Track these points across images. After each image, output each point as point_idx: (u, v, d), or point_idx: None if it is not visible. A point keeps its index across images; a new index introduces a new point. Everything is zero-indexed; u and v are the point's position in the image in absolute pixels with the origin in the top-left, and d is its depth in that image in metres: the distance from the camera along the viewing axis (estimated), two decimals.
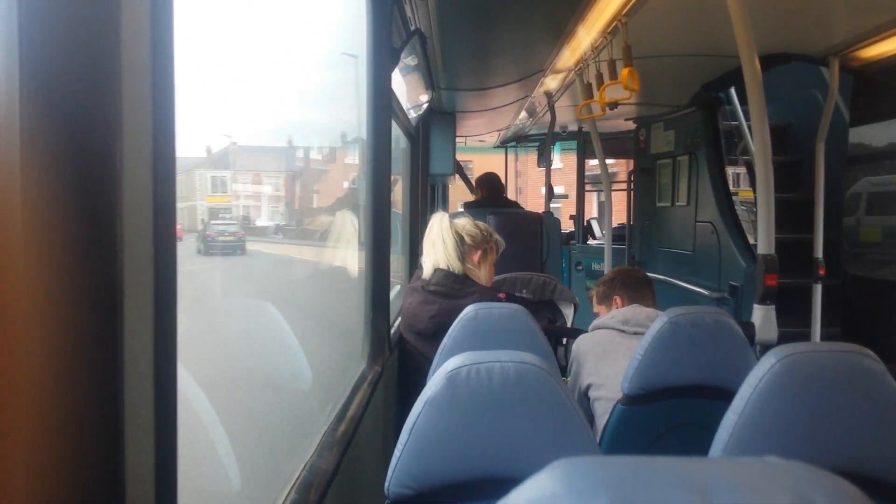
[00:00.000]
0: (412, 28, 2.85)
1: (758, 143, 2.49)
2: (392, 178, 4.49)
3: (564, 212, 10.18)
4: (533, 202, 16.44)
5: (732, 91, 4.96)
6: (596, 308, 2.64)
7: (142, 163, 0.59)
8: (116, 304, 0.55)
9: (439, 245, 2.54)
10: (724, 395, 1.36)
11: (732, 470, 0.42)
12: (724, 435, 1.31)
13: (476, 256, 2.54)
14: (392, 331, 2.68)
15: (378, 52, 2.26)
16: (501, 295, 2.55)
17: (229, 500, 1.32)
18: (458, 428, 1.19)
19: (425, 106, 3.93)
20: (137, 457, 0.58)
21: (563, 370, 3.02)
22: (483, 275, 2.54)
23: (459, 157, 7.59)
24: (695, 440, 1.43)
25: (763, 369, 1.29)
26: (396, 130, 3.75)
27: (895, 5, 3.04)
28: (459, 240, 2.53)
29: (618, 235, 6.68)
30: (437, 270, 2.49)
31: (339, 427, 1.53)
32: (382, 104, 2.29)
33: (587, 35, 3.37)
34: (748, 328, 2.46)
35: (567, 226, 8.83)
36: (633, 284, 2.55)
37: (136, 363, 0.58)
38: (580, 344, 2.30)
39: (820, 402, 1.28)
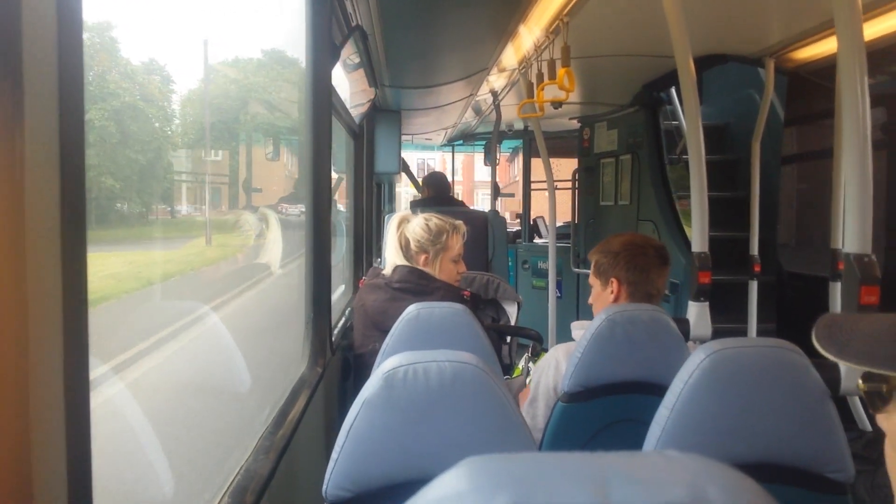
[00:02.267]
0: (353, 24, 2.82)
1: (691, 142, 2.54)
2: (338, 176, 4.47)
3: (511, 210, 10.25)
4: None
5: (673, 91, 5.06)
6: (591, 279, 2.27)
7: (47, 159, 0.57)
8: (22, 305, 0.53)
9: (389, 247, 2.58)
10: (661, 391, 1.39)
11: (631, 464, 0.42)
12: (657, 430, 1.34)
13: (422, 259, 2.55)
14: (336, 331, 2.66)
15: (317, 48, 2.23)
16: (466, 293, 2.56)
17: None
18: (396, 429, 1.19)
19: (368, 104, 3.91)
20: (47, 460, 0.56)
21: (508, 368, 3.04)
22: (438, 274, 2.54)
23: (421, 155, 7.58)
24: (633, 435, 1.46)
25: (693, 365, 1.32)
26: (340, 129, 3.72)
27: (829, 8, 3.14)
28: (406, 243, 2.55)
29: (564, 234, 6.76)
30: (398, 267, 2.51)
31: (278, 431, 1.51)
32: (322, 101, 2.27)
33: (530, 34, 3.39)
34: (683, 324, 2.51)
35: (514, 225, 8.89)
36: (641, 265, 2.15)
37: (44, 364, 0.56)
38: (560, 348, 2.15)
39: (748, 396, 1.31)
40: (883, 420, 0.87)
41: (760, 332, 4.21)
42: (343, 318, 3.13)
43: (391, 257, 2.57)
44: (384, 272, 2.55)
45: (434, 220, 2.59)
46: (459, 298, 2.33)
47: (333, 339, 2.43)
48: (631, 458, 0.44)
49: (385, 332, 2.44)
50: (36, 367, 0.56)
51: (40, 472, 0.56)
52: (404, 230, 2.56)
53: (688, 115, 2.68)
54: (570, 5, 2.90)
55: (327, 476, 1.19)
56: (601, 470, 0.41)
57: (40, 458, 0.56)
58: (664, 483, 0.40)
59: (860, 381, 0.88)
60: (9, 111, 0.53)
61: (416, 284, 2.45)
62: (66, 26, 0.60)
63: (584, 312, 6.29)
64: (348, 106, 3.62)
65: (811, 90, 4.22)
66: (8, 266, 0.53)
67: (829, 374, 1.48)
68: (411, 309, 1.93)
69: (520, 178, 8.04)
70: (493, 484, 0.40)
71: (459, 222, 2.64)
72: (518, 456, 0.44)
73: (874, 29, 3.03)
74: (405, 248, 2.54)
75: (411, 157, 11.59)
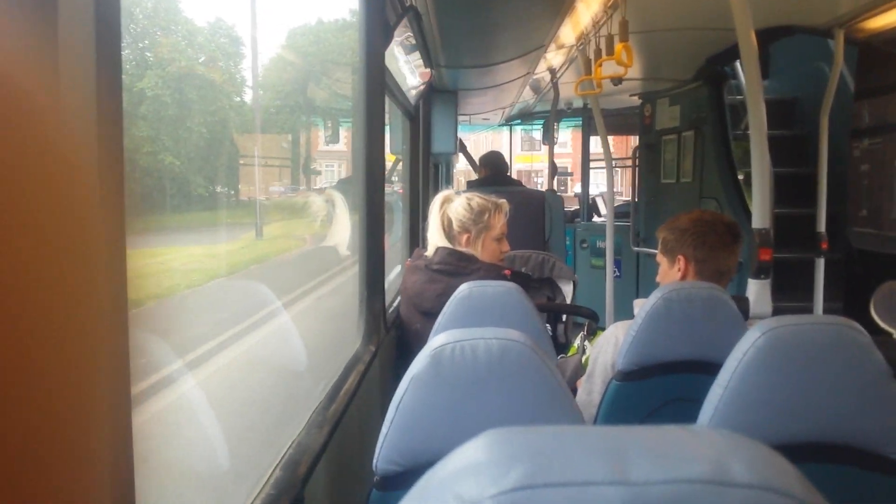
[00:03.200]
0: (407, 4, 2.83)
1: (753, 116, 2.47)
2: (396, 157, 4.50)
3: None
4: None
5: (738, 64, 4.91)
6: (658, 257, 2.21)
7: (85, 152, 0.59)
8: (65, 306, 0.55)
9: (431, 227, 2.57)
10: (718, 370, 1.36)
11: (654, 439, 0.42)
12: (710, 408, 1.32)
13: (464, 239, 2.53)
14: (390, 310, 2.69)
15: (370, 29, 2.25)
16: (507, 272, 2.55)
17: (215, 478, 1.34)
18: (443, 405, 1.20)
19: (424, 84, 3.91)
20: (88, 464, 0.59)
21: (563, 347, 3.02)
22: (480, 253, 2.53)
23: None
24: (687, 415, 1.44)
25: (748, 342, 1.29)
26: (396, 110, 3.74)
27: None
28: (448, 223, 2.53)
29: (623, 212, 6.66)
30: (438, 249, 2.50)
31: (331, 406, 1.55)
32: (376, 82, 2.28)
33: (588, 9, 3.34)
34: (743, 303, 2.45)
35: (573, 203, 8.80)
36: (710, 243, 2.07)
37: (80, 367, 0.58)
38: (620, 326, 2.12)
39: (804, 374, 1.28)
40: None
41: (826, 311, 4.07)
42: (398, 298, 3.16)
43: (433, 238, 2.56)
44: (426, 254, 2.55)
45: (476, 199, 2.57)
46: (500, 278, 2.31)
47: (388, 317, 2.46)
48: (654, 432, 0.43)
49: (424, 313, 2.46)
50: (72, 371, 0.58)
51: (81, 479, 0.58)
52: (447, 210, 2.55)
53: (749, 88, 2.61)
54: None
55: (377, 450, 1.21)
56: (621, 444, 0.41)
57: (80, 462, 0.58)
58: (686, 458, 0.39)
59: None
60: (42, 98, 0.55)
61: (454, 266, 2.44)
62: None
63: (643, 292, 6.20)
64: (404, 87, 3.64)
65: (884, 61, 4.04)
66: (48, 264, 0.55)
67: (892, 351, 1.43)
68: (463, 288, 1.93)
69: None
70: (509, 456, 0.40)
71: (503, 201, 2.60)
72: (540, 429, 0.44)
73: None
74: (447, 227, 2.53)
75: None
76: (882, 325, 0.79)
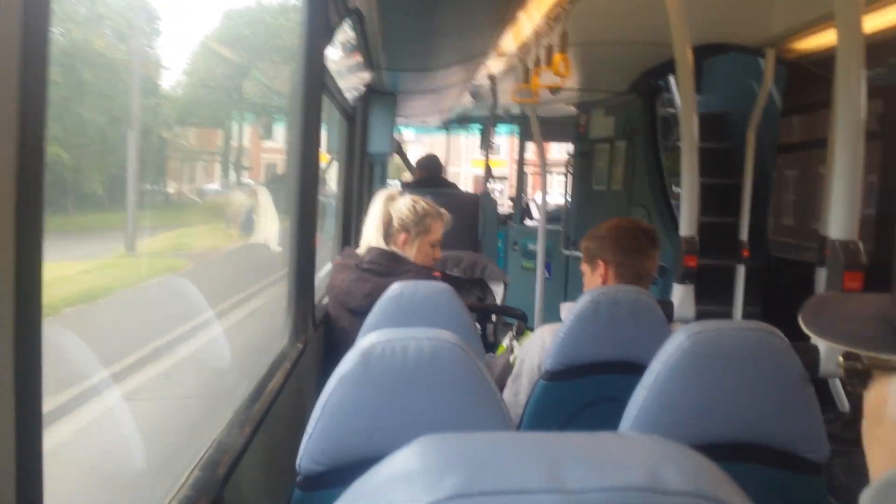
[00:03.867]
0: (350, 6, 2.80)
1: (685, 129, 2.54)
2: (331, 157, 4.45)
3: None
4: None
5: (671, 78, 5.05)
6: (582, 266, 2.27)
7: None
8: None
9: (370, 223, 2.54)
10: (643, 371, 1.39)
11: (587, 445, 0.41)
12: (633, 409, 1.34)
13: (401, 239, 2.51)
14: (319, 309, 2.65)
15: (312, 27, 2.21)
16: (437, 274, 2.55)
17: (128, 479, 1.29)
18: (371, 405, 1.19)
19: (363, 86, 3.88)
20: None
21: (492, 347, 3.04)
22: (413, 256, 2.51)
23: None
24: (612, 415, 1.46)
25: (673, 345, 1.32)
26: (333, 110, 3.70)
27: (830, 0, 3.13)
28: (388, 220, 2.52)
29: (556, 217, 6.78)
30: (371, 248, 2.48)
31: (254, 404, 1.51)
32: (315, 82, 2.25)
33: (530, 20, 3.37)
34: (667, 307, 2.51)
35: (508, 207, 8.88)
36: (627, 247, 2.13)
37: None
38: (546, 328, 2.15)
39: (726, 377, 1.31)
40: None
41: (746, 316, 4.22)
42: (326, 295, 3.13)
43: (368, 234, 2.53)
44: (358, 251, 2.53)
45: (422, 202, 2.57)
46: (429, 280, 2.31)
47: (316, 314, 2.42)
48: (588, 439, 0.43)
49: (351, 311, 2.44)
50: None
51: None
52: (389, 207, 2.53)
53: (683, 102, 2.68)
54: None
55: (301, 449, 1.19)
56: (556, 451, 0.40)
57: None
58: (621, 465, 0.39)
59: (840, 359, 0.88)
60: None
61: (384, 266, 2.42)
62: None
63: (572, 294, 6.31)
64: (343, 87, 3.60)
65: (810, 81, 4.20)
66: None
67: (809, 356, 1.48)
68: (394, 287, 1.92)
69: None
70: (444, 464, 0.39)
71: (444, 211, 2.61)
72: (473, 435, 0.43)
73: (874, 22, 3.01)
74: (387, 224, 2.51)
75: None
76: (812, 336, 0.81)
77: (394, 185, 7.87)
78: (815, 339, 1.61)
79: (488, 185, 7.02)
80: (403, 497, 0.38)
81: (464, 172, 25.02)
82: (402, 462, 0.41)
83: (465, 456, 0.40)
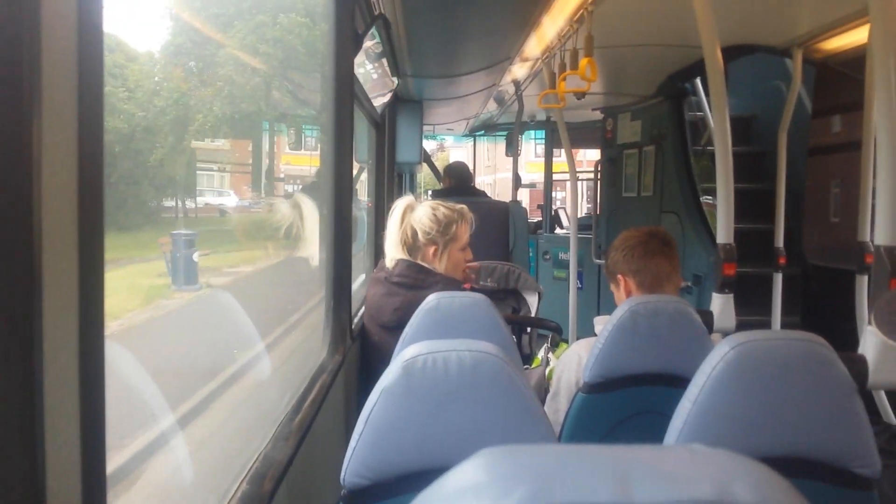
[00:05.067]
0: (376, 13, 2.82)
1: (718, 133, 2.51)
2: (360, 166, 4.47)
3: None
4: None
5: (698, 81, 5.01)
6: (611, 287, 2.26)
7: (64, 154, 0.57)
8: (34, 300, 0.53)
9: (391, 238, 2.48)
10: (683, 383, 1.37)
11: (656, 459, 0.41)
12: (679, 422, 1.32)
13: (431, 252, 2.46)
14: (356, 320, 2.66)
15: (340, 36, 2.23)
16: (466, 285, 2.53)
17: (179, 492, 1.30)
18: (414, 418, 1.18)
19: (390, 94, 3.90)
20: (59, 452, 0.56)
21: (527, 359, 3.03)
22: (444, 267, 2.47)
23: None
24: (653, 427, 1.44)
25: (717, 357, 1.30)
26: (362, 118, 3.72)
27: None
28: (413, 234, 2.46)
29: (585, 225, 6.73)
30: (399, 261, 2.45)
31: (296, 417, 1.52)
32: (345, 90, 2.26)
33: (553, 24, 3.36)
34: (707, 316, 2.48)
35: (536, 215, 8.86)
36: (638, 253, 2.11)
37: (57, 359, 0.56)
38: (582, 343, 2.15)
39: (772, 389, 1.29)
40: None
41: (784, 325, 4.16)
42: (362, 307, 3.13)
43: (391, 251, 2.47)
44: (387, 265, 2.49)
45: (441, 209, 2.50)
46: (459, 290, 2.28)
47: (353, 326, 2.42)
48: (655, 452, 0.43)
49: (382, 326, 2.42)
50: (47, 361, 0.56)
51: (53, 462, 0.56)
52: (410, 220, 2.47)
53: (714, 105, 2.65)
54: None
55: (345, 464, 1.19)
56: (624, 464, 0.40)
57: (52, 447, 0.56)
58: (689, 479, 0.39)
59: None
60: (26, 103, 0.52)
61: (413, 279, 2.38)
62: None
63: (605, 303, 6.27)
64: (371, 96, 3.62)
65: (839, 81, 4.15)
66: (20, 269, 0.53)
67: (857, 367, 1.45)
68: (430, 298, 1.92)
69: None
70: (511, 476, 0.39)
71: (464, 207, 2.55)
72: (538, 447, 0.43)
73: None
74: (412, 239, 2.45)
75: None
76: (887, 339, 0.80)
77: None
78: (865, 349, 1.58)
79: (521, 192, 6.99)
80: None
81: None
82: (469, 474, 0.41)
83: (532, 468, 0.40)
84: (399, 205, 2.53)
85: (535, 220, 8.01)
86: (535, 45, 3.85)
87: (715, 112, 2.58)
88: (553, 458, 0.41)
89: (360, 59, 2.70)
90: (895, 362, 1.54)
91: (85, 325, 0.60)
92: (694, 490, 0.37)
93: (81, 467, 0.60)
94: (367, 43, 2.77)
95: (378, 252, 3.75)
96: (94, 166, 0.61)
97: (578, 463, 0.40)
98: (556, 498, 0.37)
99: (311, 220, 2.50)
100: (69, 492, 0.59)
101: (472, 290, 2.47)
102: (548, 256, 7.00)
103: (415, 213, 2.49)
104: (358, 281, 3.51)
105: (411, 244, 2.46)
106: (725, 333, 2.43)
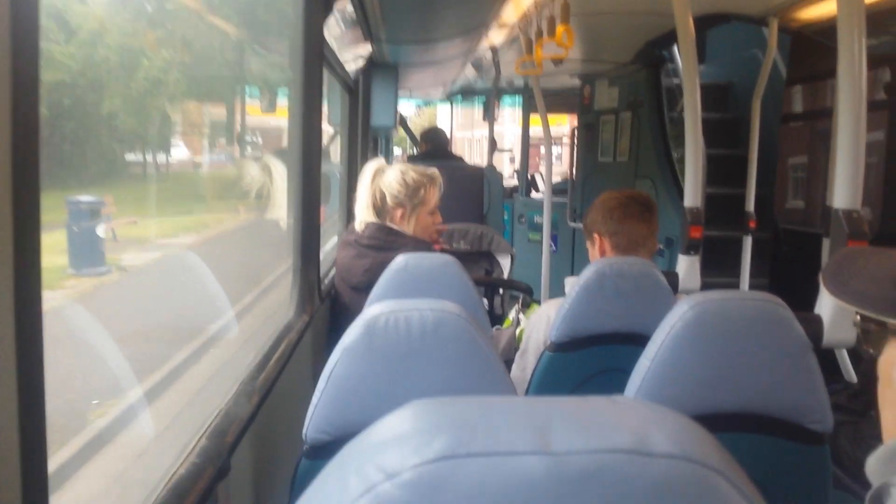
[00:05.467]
0: None
1: (688, 99, 2.51)
2: (333, 130, 4.43)
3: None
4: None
5: (675, 49, 5.00)
6: (587, 244, 2.26)
7: None
8: None
9: (361, 201, 2.49)
10: (647, 342, 1.39)
11: (577, 409, 0.42)
12: (637, 379, 1.35)
13: (398, 214, 2.47)
14: (326, 281, 2.66)
15: (310, 0, 2.20)
16: (437, 247, 2.54)
17: (139, 446, 1.30)
18: (375, 375, 1.20)
19: (364, 58, 3.85)
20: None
21: (499, 319, 3.05)
22: (412, 229, 2.48)
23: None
24: (617, 385, 1.47)
25: (676, 316, 1.32)
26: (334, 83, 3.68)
27: None
28: (382, 197, 2.47)
29: (561, 189, 6.76)
30: (368, 224, 2.45)
31: (260, 375, 1.52)
32: (314, 53, 2.23)
33: None
34: (672, 277, 2.51)
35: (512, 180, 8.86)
36: (617, 215, 2.11)
37: None
38: (552, 303, 2.14)
39: (729, 347, 1.31)
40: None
41: (753, 288, 4.22)
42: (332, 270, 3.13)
43: (361, 213, 2.48)
44: (357, 228, 2.50)
45: (411, 172, 2.50)
46: (428, 252, 2.28)
47: (322, 288, 2.43)
48: (577, 403, 0.44)
49: (352, 287, 2.43)
50: None
51: None
52: (379, 184, 2.48)
53: (685, 72, 2.65)
54: None
55: (307, 419, 1.20)
56: (545, 415, 0.41)
57: None
58: (608, 429, 0.39)
59: (857, 318, 0.88)
60: None
61: (383, 241, 2.40)
62: None
63: (578, 266, 6.31)
64: (343, 60, 3.57)
65: (814, 50, 4.16)
66: None
67: (812, 326, 1.48)
68: (399, 259, 1.92)
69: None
70: (434, 427, 0.40)
71: (435, 171, 2.56)
72: (464, 399, 0.44)
73: None
74: (380, 202, 2.46)
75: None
76: (827, 292, 0.80)
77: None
78: (820, 308, 1.61)
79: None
80: (393, 459, 0.39)
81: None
82: (394, 425, 0.42)
83: (456, 419, 0.41)
84: (369, 168, 2.53)
85: (512, 185, 8.01)
86: (512, 11, 3.81)
87: (686, 78, 2.59)
88: (477, 409, 0.42)
89: (332, 24, 2.66)
90: (849, 322, 1.57)
91: (21, 312, 0.60)
92: (612, 439, 0.38)
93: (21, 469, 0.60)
94: (340, 6, 2.73)
95: (349, 215, 3.75)
96: (30, 144, 0.61)
97: (501, 414, 0.41)
98: (476, 447, 0.38)
99: (276, 181, 2.36)
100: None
101: (444, 251, 2.48)
102: (523, 219, 7.03)
103: (384, 176, 2.50)
104: (329, 243, 3.51)
105: (380, 207, 2.47)
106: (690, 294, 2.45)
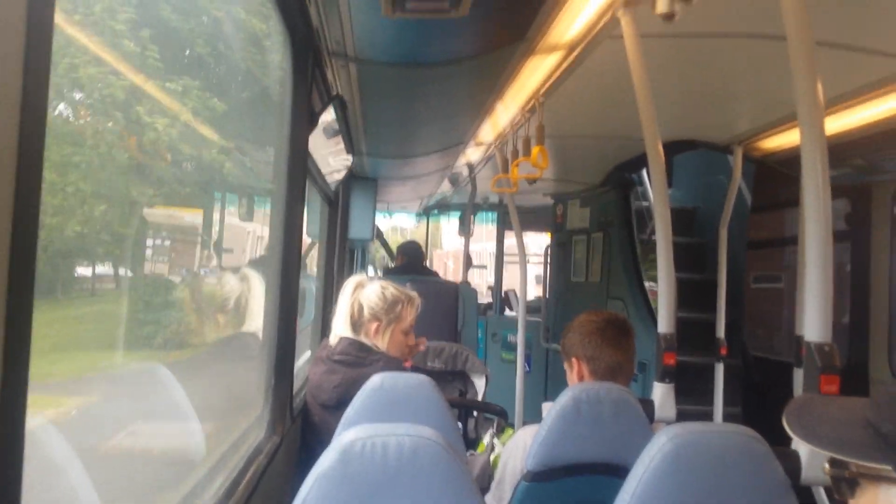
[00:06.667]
0: (333, 93, 2.87)
1: (659, 224, 2.58)
2: (311, 241, 4.46)
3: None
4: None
5: (644, 172, 5.18)
6: (565, 365, 2.23)
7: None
8: None
9: (339, 313, 2.50)
10: (624, 473, 1.37)
11: None
12: None
13: (373, 328, 2.47)
14: (299, 398, 2.60)
15: (297, 113, 2.26)
16: (407, 364, 2.52)
17: None
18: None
19: (345, 171, 3.93)
20: None
21: (473, 443, 2.99)
22: (385, 345, 2.47)
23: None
24: None
25: (655, 448, 1.31)
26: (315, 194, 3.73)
27: (792, 101, 3.25)
28: (359, 310, 2.48)
29: (535, 308, 6.78)
30: (341, 339, 2.45)
31: (228, 502, 1.46)
32: (298, 166, 2.28)
33: (507, 111, 3.47)
34: (648, 406, 2.50)
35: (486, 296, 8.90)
36: (596, 341, 2.09)
37: None
38: (529, 430, 2.08)
39: (709, 482, 1.30)
40: None
41: (726, 416, 4.20)
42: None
43: (338, 325, 2.49)
44: (330, 343, 2.49)
45: (391, 288, 2.54)
46: (399, 370, 2.27)
47: (294, 405, 2.37)
48: None
49: (323, 405, 2.39)
50: None
51: None
52: (359, 296, 2.50)
53: (656, 197, 2.73)
54: (546, 86, 2.97)
55: None
56: None
57: None
58: None
59: (826, 466, 0.88)
60: None
61: (354, 357, 2.39)
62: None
63: (552, 388, 6.26)
64: (325, 172, 3.65)
65: (777, 178, 4.33)
66: None
67: (790, 462, 1.47)
68: (375, 378, 1.90)
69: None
70: None
71: (415, 294, 2.59)
72: None
73: (837, 123, 3.13)
74: (357, 314, 2.47)
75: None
76: (795, 438, 0.81)
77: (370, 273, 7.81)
78: (798, 444, 1.61)
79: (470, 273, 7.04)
80: None
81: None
82: None
83: None
84: (351, 281, 2.57)
85: (486, 302, 8.04)
86: (489, 130, 3.95)
87: (656, 204, 2.66)
88: None
89: (316, 135, 2.73)
90: (826, 459, 1.56)
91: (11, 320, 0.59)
92: None
93: None
94: (325, 119, 2.81)
95: (325, 329, 3.71)
96: (34, 157, 0.61)
97: None
98: None
99: (247, 299, 2.31)
100: None
101: (417, 369, 2.45)
102: (497, 338, 7.01)
103: (364, 290, 2.53)
104: (303, 358, 3.45)
105: (356, 319, 2.48)
106: (667, 423, 2.44)
